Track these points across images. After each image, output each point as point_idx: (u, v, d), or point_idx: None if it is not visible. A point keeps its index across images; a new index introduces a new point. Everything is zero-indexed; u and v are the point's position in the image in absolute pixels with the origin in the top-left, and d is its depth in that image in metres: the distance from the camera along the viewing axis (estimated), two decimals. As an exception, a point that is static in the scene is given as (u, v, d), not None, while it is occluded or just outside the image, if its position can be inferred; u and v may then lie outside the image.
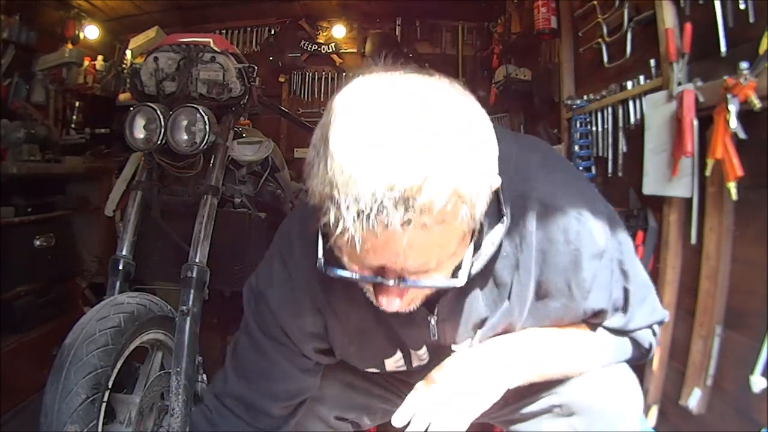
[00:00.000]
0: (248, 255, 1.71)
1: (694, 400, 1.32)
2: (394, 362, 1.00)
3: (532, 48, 2.60)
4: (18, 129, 2.56)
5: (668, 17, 1.44)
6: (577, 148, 1.97)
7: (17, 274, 2.39)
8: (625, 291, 0.89)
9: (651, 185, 1.49)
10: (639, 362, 1.00)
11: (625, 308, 0.90)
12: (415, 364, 1.00)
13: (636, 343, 0.97)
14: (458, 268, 0.72)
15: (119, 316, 1.32)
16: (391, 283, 0.68)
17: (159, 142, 1.53)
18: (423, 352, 0.98)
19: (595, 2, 1.89)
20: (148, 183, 1.66)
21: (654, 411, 1.50)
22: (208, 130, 1.54)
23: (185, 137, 1.55)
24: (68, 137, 3.09)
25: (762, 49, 1.08)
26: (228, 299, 2.08)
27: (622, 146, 1.71)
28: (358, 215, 0.59)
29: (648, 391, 1.51)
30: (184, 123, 1.54)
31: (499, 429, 1.37)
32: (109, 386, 1.26)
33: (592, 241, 0.83)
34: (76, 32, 3.23)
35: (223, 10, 3.72)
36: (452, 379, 0.90)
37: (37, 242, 2.52)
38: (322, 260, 0.71)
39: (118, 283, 1.53)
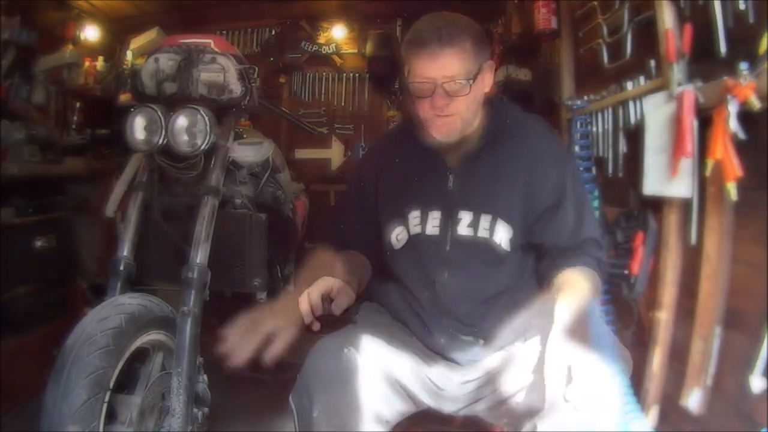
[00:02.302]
0: (249, 256, 1.71)
1: (694, 400, 1.32)
2: (414, 218, 1.32)
3: (533, 48, 2.60)
4: (19, 130, 2.56)
5: (668, 18, 1.44)
6: (577, 148, 1.97)
7: (18, 274, 2.40)
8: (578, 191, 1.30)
9: (651, 186, 1.49)
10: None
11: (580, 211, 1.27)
12: (428, 230, 1.30)
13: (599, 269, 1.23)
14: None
15: (120, 317, 1.32)
16: (441, 79, 1.18)
17: (159, 143, 1.53)
18: (436, 216, 1.30)
19: (596, 3, 1.90)
20: (149, 184, 1.66)
21: (654, 411, 1.50)
22: (208, 131, 1.54)
23: (186, 138, 1.55)
24: (69, 138, 3.09)
25: (761, 50, 1.09)
26: (228, 300, 2.08)
27: (623, 147, 1.72)
28: (419, 41, 1.18)
29: (648, 391, 1.51)
30: (185, 124, 1.54)
31: (498, 428, 1.37)
32: (110, 387, 1.26)
33: (564, 157, 1.40)
34: (77, 33, 3.23)
35: (223, 11, 3.73)
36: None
37: (38, 243, 2.52)
38: (408, 82, 1.23)
39: (118, 284, 1.54)
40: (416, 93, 1.23)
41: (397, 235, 1.34)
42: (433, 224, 1.31)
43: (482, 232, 1.28)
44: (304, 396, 1.13)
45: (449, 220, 1.30)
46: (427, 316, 1.32)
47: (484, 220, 1.28)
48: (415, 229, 1.32)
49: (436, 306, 1.31)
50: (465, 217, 1.29)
